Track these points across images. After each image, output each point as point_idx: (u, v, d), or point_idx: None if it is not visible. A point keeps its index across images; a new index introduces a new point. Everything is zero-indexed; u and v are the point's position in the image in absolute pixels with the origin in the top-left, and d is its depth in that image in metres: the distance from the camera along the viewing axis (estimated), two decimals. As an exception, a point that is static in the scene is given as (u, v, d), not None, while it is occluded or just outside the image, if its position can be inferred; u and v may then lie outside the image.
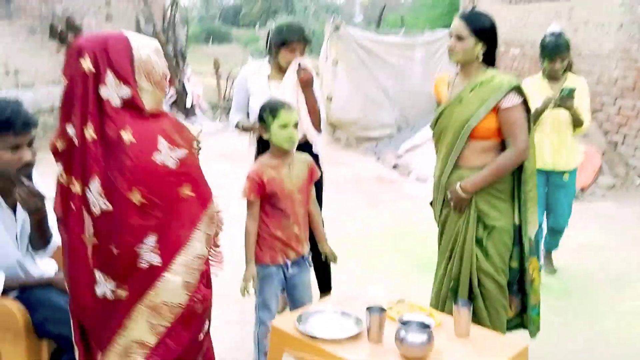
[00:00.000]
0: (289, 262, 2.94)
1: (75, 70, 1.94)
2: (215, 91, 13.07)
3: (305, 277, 3.04)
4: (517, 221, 2.89)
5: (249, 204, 2.86)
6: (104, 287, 1.99)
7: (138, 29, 10.90)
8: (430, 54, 9.79)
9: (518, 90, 2.79)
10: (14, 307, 2.43)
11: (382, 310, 2.42)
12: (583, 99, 4.06)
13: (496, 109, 2.79)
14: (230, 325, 3.64)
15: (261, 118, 2.88)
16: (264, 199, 2.85)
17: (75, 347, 2.14)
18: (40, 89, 8.69)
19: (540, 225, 4.17)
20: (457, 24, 2.84)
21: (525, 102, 2.83)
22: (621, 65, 7.22)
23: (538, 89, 4.09)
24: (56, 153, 2.00)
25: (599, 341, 3.63)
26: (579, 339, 3.65)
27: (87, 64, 1.92)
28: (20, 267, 2.55)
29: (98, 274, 1.99)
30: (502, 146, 2.86)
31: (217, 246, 2.26)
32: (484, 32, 2.81)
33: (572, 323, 3.85)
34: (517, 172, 2.88)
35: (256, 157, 2.98)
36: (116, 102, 1.93)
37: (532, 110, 3.96)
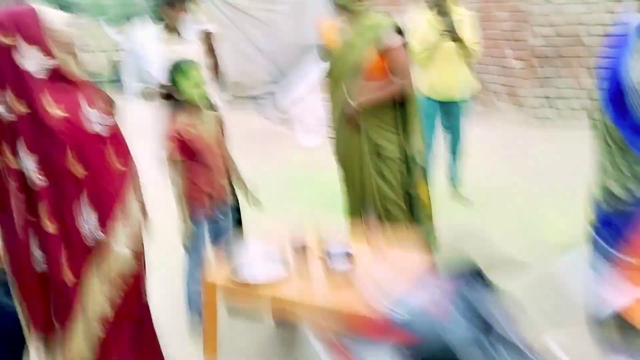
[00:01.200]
0: (218, 214, 3.07)
1: None
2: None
3: (229, 225, 3.20)
4: (404, 146, 3.19)
5: (174, 164, 2.94)
6: (42, 264, 2.02)
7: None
8: (296, 3, 9.87)
9: (397, 29, 3.03)
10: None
11: (305, 247, 2.62)
12: (471, 29, 4.39)
13: (382, 50, 3.02)
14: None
15: (172, 80, 2.92)
16: (188, 157, 2.94)
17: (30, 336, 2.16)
18: None
19: (431, 150, 4.57)
20: None
21: (406, 42, 3.08)
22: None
23: (426, 21, 4.36)
24: None
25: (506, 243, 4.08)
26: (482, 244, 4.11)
27: (3, 39, 1.90)
28: None
29: (37, 252, 2.02)
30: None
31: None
32: None
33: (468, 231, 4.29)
34: (401, 106, 3.16)
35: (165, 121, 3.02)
36: (40, 73, 1.93)
37: (423, 43, 4.27)
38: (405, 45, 3.09)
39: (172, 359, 2.70)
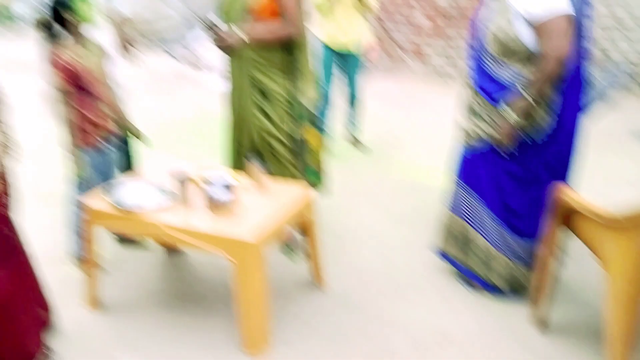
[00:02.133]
0: (105, 145, 3.09)
1: None
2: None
3: (115, 154, 3.22)
4: (292, 90, 3.25)
5: (62, 94, 2.91)
6: None
7: None
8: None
9: None
10: None
11: (187, 176, 2.70)
12: None
13: None
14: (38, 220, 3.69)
15: (64, 4, 2.87)
16: (75, 87, 2.92)
17: None
18: None
19: (327, 98, 4.70)
20: None
21: None
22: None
23: None
24: None
25: (395, 185, 4.36)
26: (367, 186, 4.35)
27: None
28: None
29: None
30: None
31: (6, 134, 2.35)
32: None
33: (368, 175, 4.54)
34: (289, 49, 3.23)
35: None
36: None
37: None
38: None
39: (49, 281, 2.76)
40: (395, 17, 7.86)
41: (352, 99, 4.96)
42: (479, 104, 2.81)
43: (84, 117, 2.99)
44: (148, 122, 5.49)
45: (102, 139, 3.07)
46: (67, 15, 2.91)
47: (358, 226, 3.76)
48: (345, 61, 4.76)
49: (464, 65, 7.14)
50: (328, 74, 4.70)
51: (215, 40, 3.18)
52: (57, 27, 2.93)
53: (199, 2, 9.50)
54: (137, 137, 3.34)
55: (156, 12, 9.10)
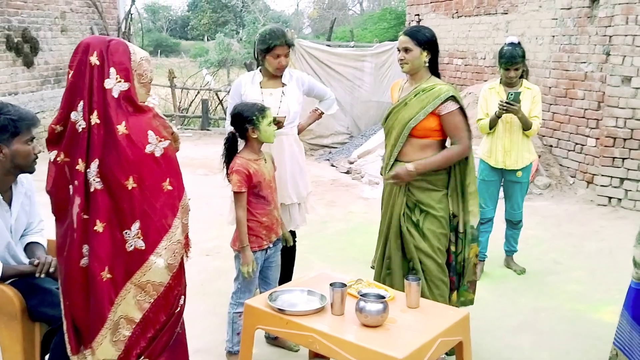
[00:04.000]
0: (270, 245, 3.31)
1: (82, 63, 2.27)
2: (170, 102, 13.24)
3: (278, 258, 3.43)
4: (452, 209, 3.28)
5: (239, 196, 3.18)
6: (86, 258, 2.28)
7: (93, 41, 10.98)
8: (378, 64, 10.26)
9: (454, 99, 3.20)
10: (10, 293, 2.66)
11: (343, 285, 2.76)
12: (535, 104, 4.50)
13: (435, 114, 3.20)
14: (202, 314, 3.92)
15: (250, 120, 3.18)
16: (249, 189, 3.19)
17: (65, 332, 2.40)
18: (-4, 100, 8.74)
19: (491, 220, 4.62)
20: (403, 38, 3.28)
21: (462, 108, 3.24)
22: (554, 74, 7.82)
23: (496, 94, 4.52)
24: (52, 138, 2.31)
25: (544, 316, 4.09)
26: (524, 314, 4.11)
27: (94, 59, 2.25)
28: (9, 251, 2.79)
29: (85, 248, 2.28)
30: (439, 144, 3.27)
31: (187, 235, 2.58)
32: (427, 42, 3.23)
33: (518, 300, 4.31)
34: (457, 170, 3.29)
35: (227, 159, 3.29)
36: (116, 93, 2.26)
37: (487, 113, 4.43)
38: (461, 111, 3.23)
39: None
40: (557, 133, 7.69)
41: (513, 220, 4.81)
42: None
43: (257, 220, 3.23)
44: (307, 227, 5.77)
45: (270, 241, 3.27)
46: (250, 133, 3.22)
47: (512, 353, 3.55)
48: (505, 178, 4.69)
49: (636, 192, 6.72)
50: (487, 191, 4.65)
51: (389, 178, 3.28)
52: (239, 138, 3.26)
53: (366, 120, 10.03)
54: (288, 241, 3.53)
55: (327, 127, 9.70)
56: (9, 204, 2.78)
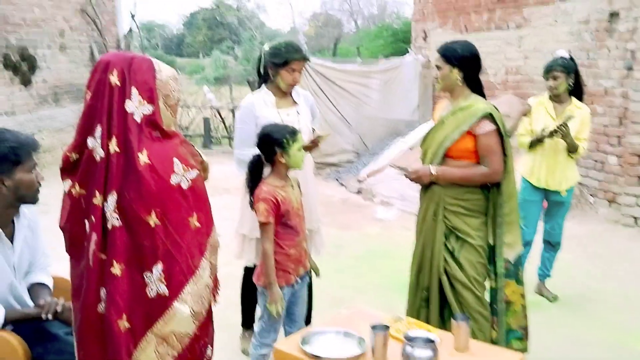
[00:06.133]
0: (298, 279, 2.99)
1: (101, 83, 1.97)
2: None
3: (305, 292, 3.12)
4: (491, 240, 3.04)
5: (266, 227, 2.86)
6: (103, 304, 1.99)
7: (92, 60, 10.77)
8: (385, 81, 10.05)
9: (491, 117, 2.96)
10: (14, 341, 2.37)
11: (386, 328, 2.48)
12: (584, 126, 4.27)
13: (471, 133, 2.95)
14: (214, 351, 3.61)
15: (280, 143, 2.88)
16: (277, 219, 2.89)
17: None
18: (-7, 119, 8.47)
19: (529, 244, 4.33)
20: (435, 55, 3.10)
21: (498, 129, 2.99)
22: (570, 89, 7.58)
23: (544, 110, 4.31)
24: (67, 166, 2.02)
25: (589, 350, 3.80)
26: (566, 346, 3.83)
27: (114, 78, 1.95)
28: (12, 292, 2.50)
29: (102, 291, 1.99)
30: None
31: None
32: (457, 59, 3.02)
33: (556, 331, 4.01)
34: (494, 195, 3.03)
35: (251, 184, 2.99)
36: (138, 117, 1.97)
37: (532, 130, 4.20)
38: (498, 133, 2.99)
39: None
40: (582, 160, 7.45)
41: (551, 241, 4.54)
42: None
43: (285, 253, 2.93)
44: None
45: (297, 275, 2.98)
46: (279, 157, 2.92)
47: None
48: (548, 199, 4.43)
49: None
50: (531, 215, 4.36)
51: (406, 173, 3.13)
52: (266, 163, 2.96)
53: (372, 137, 9.77)
54: (315, 272, 3.22)
55: (333, 144, 9.46)
56: (11, 240, 2.49)
